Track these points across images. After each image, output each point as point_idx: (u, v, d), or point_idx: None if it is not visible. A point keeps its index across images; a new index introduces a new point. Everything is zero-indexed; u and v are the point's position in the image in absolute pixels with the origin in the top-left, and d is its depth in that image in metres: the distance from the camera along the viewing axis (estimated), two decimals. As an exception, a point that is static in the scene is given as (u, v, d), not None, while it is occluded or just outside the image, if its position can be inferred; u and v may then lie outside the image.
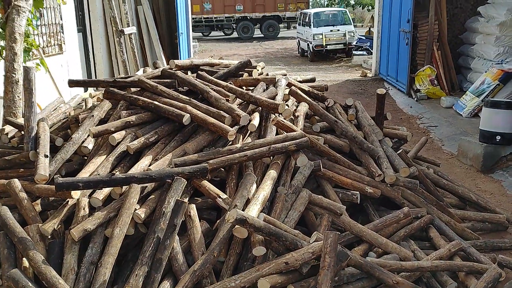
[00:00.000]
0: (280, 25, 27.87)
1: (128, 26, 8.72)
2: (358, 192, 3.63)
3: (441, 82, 9.38)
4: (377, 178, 3.72)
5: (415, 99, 9.27)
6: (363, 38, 18.28)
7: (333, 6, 26.96)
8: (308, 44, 17.56)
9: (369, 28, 20.09)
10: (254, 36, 27.65)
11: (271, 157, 3.41)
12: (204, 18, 26.94)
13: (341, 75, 13.45)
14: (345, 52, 17.56)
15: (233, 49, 22.76)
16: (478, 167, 5.72)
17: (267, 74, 4.74)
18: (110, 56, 9.30)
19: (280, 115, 3.79)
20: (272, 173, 3.19)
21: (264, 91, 4.09)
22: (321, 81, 12.23)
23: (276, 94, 3.97)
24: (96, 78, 8.88)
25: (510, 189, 5.16)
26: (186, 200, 3.05)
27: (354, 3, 27.93)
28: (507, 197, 5.01)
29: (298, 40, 19.52)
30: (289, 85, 4.36)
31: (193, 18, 26.32)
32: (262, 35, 27.61)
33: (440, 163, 5.61)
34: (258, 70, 4.59)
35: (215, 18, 26.97)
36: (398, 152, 4.36)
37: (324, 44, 16.92)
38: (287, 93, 4.22)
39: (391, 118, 8.38)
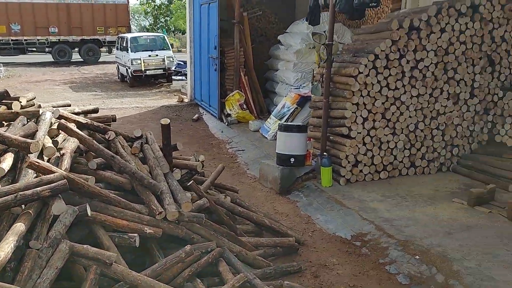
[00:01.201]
0: (101, 49, 26.62)
1: None
2: (136, 235, 3.29)
3: (249, 106, 9.71)
4: (158, 216, 3.44)
5: (226, 123, 9.42)
6: (182, 63, 18.38)
7: (154, 31, 26.77)
8: (127, 69, 16.96)
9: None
10: (72, 60, 25.88)
11: (22, 206, 2.87)
12: (12, 40, 24.33)
13: (158, 101, 13.17)
14: (165, 77, 17.39)
15: (46, 74, 20.87)
16: (277, 190, 5.88)
17: (40, 106, 4.16)
18: None
19: (42, 154, 3.27)
20: (19, 227, 2.67)
21: (24, 126, 3.53)
22: (135, 108, 11.78)
23: (37, 130, 3.44)
24: None
25: (303, 209, 5.37)
26: None
27: (173, 29, 28.15)
28: (300, 217, 5.20)
29: (117, 65, 18.78)
30: (60, 117, 3.86)
31: (-1, 40, 23.65)
32: (81, 60, 26.00)
33: (239, 190, 5.63)
34: (21, 102, 3.99)
35: (25, 40, 24.56)
36: (188, 184, 4.18)
37: (143, 69, 16.51)
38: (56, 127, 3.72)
39: (203, 143, 8.42)
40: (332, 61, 5.82)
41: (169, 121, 3.98)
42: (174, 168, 4.28)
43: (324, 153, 5.80)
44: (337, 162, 5.81)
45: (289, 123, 6.05)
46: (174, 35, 28.68)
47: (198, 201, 4.02)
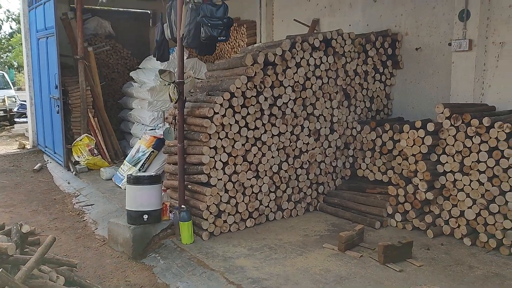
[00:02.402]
0: None
1: None
2: None
3: (102, 151, 8.65)
4: None
5: (74, 172, 8.21)
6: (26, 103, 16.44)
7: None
8: (-44, 113, 14.61)
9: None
10: None
11: None
12: None
13: (-6, 149, 11.32)
14: (7, 119, 15.32)
15: None
16: (130, 254, 4.98)
17: None
18: None
19: None
20: None
21: None
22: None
23: None
24: None
25: (161, 276, 4.55)
26: None
27: (17, 65, 25.45)
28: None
29: None
30: None
31: None
32: None
33: (82, 259, 4.64)
34: None
35: None
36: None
37: (-23, 111, 14.36)
38: None
39: (44, 199, 7.13)
40: (185, 100, 5.19)
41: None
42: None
43: (182, 206, 5.07)
44: (198, 214, 5.13)
45: (138, 174, 5.22)
46: (20, 72, 25.82)
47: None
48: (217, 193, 5.14)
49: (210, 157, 5.05)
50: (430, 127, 5.06)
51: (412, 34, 6.32)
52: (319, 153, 5.92)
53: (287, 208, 5.74)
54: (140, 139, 7.76)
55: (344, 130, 6.12)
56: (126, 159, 7.52)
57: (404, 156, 5.42)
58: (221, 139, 5.10)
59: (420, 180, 5.13)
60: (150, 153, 7.19)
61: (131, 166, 7.24)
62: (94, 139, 8.56)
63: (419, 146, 5.14)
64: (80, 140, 8.47)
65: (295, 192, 5.78)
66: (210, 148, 5.04)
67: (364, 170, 6.02)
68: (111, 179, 7.60)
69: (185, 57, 8.74)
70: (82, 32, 8.42)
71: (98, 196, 6.99)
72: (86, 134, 8.54)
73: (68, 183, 7.87)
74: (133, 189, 5.01)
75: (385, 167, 5.74)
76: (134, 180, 5.02)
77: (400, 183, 5.40)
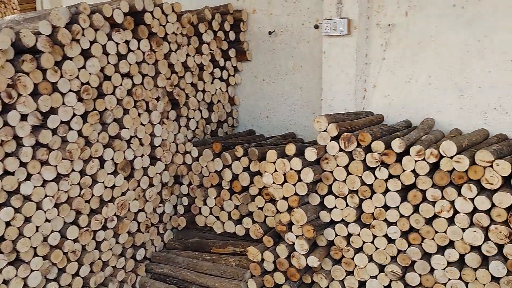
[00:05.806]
0: None
1: None
2: None
3: None
4: None
5: None
6: None
7: None
8: None
9: None
10: None
11: None
12: None
13: None
14: None
15: None
16: None
17: None
18: None
19: None
20: None
21: None
22: None
23: None
24: None
25: None
26: None
27: None
28: None
29: None
30: None
31: None
32: None
33: None
34: None
35: None
36: None
37: None
38: None
39: None
40: None
41: None
42: None
43: None
44: None
45: None
46: None
47: None
48: None
49: None
50: (311, 155, 3.17)
51: (262, 12, 4.42)
52: (135, 199, 3.64)
53: (83, 300, 3.34)
54: None
55: (172, 156, 3.94)
56: None
57: (268, 197, 3.50)
58: None
59: (298, 237, 3.24)
60: None
61: None
62: None
63: (294, 185, 3.22)
64: None
65: (96, 268, 3.40)
66: None
67: (206, 217, 3.94)
68: None
69: None
70: None
71: None
72: None
73: None
74: None
75: (238, 213, 3.75)
76: None
77: (265, 240, 3.45)
